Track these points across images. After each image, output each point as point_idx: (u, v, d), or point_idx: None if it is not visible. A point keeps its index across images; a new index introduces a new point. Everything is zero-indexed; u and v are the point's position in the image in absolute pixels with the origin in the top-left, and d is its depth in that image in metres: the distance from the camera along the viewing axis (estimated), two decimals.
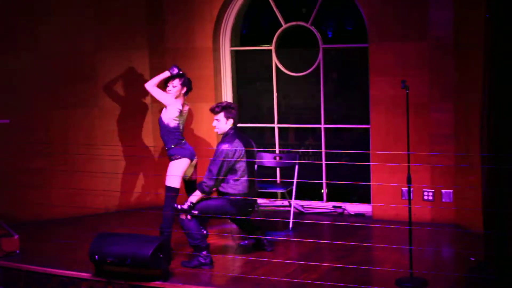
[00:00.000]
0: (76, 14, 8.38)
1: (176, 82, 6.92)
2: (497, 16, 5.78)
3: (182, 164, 6.86)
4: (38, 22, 8.22)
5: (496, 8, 5.80)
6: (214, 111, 6.67)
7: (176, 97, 6.91)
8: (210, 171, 6.52)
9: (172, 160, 6.90)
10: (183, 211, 6.45)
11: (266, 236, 6.96)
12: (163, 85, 6.98)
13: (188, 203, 6.47)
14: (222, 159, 6.47)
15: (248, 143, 6.70)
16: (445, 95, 7.49)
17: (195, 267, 6.42)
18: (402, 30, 7.59)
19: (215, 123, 6.68)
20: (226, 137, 6.63)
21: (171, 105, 6.86)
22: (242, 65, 8.78)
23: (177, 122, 6.89)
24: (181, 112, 6.89)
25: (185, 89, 6.96)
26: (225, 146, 6.53)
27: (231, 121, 6.64)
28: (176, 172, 6.82)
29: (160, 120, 6.94)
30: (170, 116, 6.86)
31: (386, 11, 7.65)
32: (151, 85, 6.98)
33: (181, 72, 6.96)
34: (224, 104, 6.68)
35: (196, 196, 6.53)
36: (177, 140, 6.89)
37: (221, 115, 6.63)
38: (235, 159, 6.52)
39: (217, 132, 6.77)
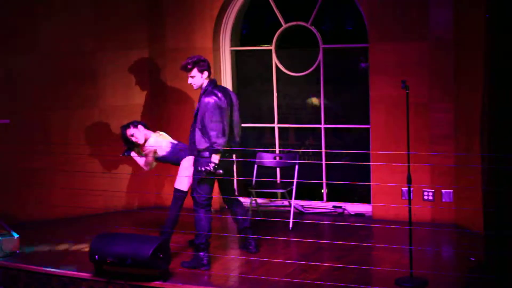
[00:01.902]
0: (76, 14, 8.37)
1: (131, 132, 7.18)
2: (497, 16, 5.78)
3: (190, 164, 6.81)
4: (38, 22, 8.22)
5: (496, 7, 5.80)
6: (186, 68, 6.47)
7: (145, 140, 7.15)
8: (212, 129, 6.28)
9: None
10: (208, 172, 6.30)
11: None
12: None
13: (212, 164, 6.30)
14: (217, 113, 6.31)
15: (228, 94, 6.56)
16: (445, 95, 7.49)
17: (193, 267, 6.42)
18: (402, 30, 7.59)
19: (190, 80, 6.50)
20: (206, 93, 6.43)
21: (161, 140, 7.10)
22: (242, 65, 8.77)
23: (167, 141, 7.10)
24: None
25: (141, 128, 7.20)
26: (212, 99, 6.34)
27: (206, 73, 6.48)
28: (185, 173, 6.80)
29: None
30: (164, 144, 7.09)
31: (386, 11, 7.65)
32: (147, 164, 7.21)
33: (123, 127, 7.24)
34: (195, 59, 6.48)
35: (216, 156, 6.34)
36: (177, 151, 7.01)
37: (195, 71, 6.45)
38: (226, 107, 6.41)
39: (194, 87, 6.58)
